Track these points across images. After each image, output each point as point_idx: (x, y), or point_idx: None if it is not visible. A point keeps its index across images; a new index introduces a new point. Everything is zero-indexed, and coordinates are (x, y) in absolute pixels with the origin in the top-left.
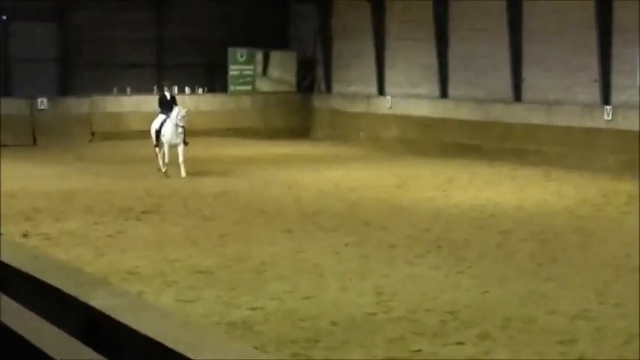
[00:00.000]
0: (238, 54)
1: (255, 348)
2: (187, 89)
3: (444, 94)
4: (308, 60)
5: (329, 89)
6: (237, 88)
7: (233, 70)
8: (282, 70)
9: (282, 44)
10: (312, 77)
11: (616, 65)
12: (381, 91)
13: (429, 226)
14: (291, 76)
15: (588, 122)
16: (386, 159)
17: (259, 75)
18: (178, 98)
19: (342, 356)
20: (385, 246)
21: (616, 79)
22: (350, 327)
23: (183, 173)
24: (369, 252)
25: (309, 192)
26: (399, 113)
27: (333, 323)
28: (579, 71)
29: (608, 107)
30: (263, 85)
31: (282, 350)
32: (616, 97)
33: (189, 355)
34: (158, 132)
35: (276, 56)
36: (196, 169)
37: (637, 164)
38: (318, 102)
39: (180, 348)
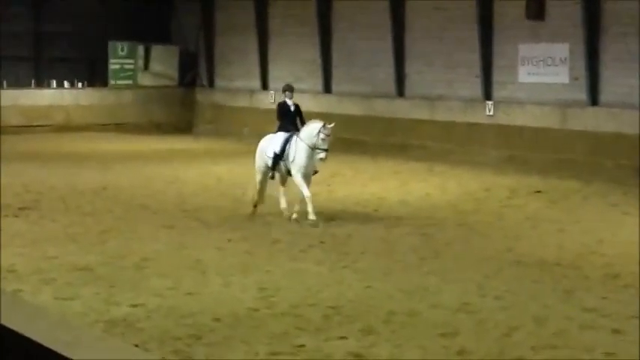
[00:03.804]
0: (119, 48)
1: (136, 345)
2: (67, 83)
3: (327, 89)
4: (190, 54)
5: (212, 84)
6: (118, 82)
7: (113, 64)
8: (163, 64)
9: (164, 38)
10: (195, 72)
11: (497, 61)
12: (265, 86)
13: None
14: (173, 71)
15: (470, 117)
16: None
17: (141, 69)
18: (55, 93)
19: (225, 353)
20: (269, 241)
21: (497, 75)
22: (233, 323)
23: (311, 216)
24: (252, 248)
25: (192, 187)
26: None
27: (216, 319)
28: (461, 67)
29: (490, 103)
30: (144, 80)
31: (164, 347)
32: (497, 92)
33: (65, 353)
34: (279, 156)
35: (157, 50)
36: (76, 164)
37: (517, 159)
38: (201, 97)
39: (56, 346)
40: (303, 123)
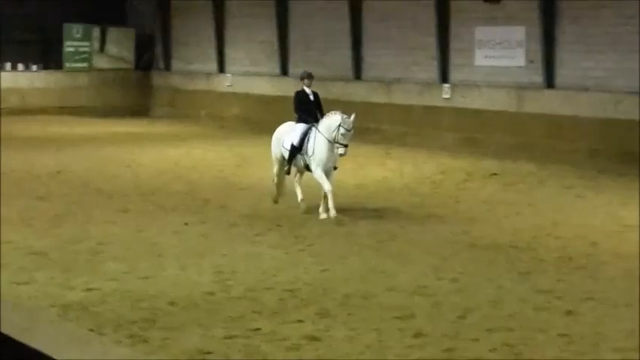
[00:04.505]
0: (74, 30)
1: (91, 330)
2: (21, 66)
3: (284, 71)
4: (147, 37)
5: (168, 67)
6: (73, 65)
7: (69, 47)
8: (119, 46)
9: (120, 20)
10: (151, 54)
11: (453, 44)
12: (222, 69)
13: (270, 204)
14: (129, 53)
15: (427, 100)
16: (226, 137)
17: (96, 52)
18: (10, 75)
19: (180, 336)
20: (225, 225)
21: (454, 58)
22: (189, 307)
23: (332, 211)
24: (209, 231)
25: (149, 171)
26: (240, 91)
27: (172, 303)
28: (418, 50)
29: (447, 85)
30: (100, 62)
31: (120, 331)
32: (454, 75)
33: (18, 338)
34: (297, 149)
35: (113, 32)
36: (30, 148)
37: (474, 142)
38: (157, 80)
39: (9, 331)
40: (322, 113)
